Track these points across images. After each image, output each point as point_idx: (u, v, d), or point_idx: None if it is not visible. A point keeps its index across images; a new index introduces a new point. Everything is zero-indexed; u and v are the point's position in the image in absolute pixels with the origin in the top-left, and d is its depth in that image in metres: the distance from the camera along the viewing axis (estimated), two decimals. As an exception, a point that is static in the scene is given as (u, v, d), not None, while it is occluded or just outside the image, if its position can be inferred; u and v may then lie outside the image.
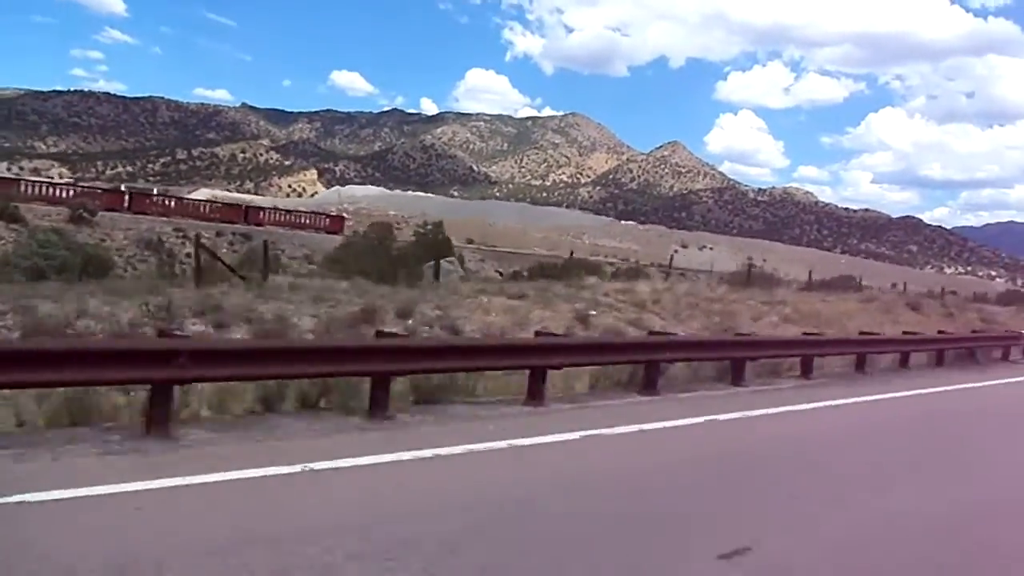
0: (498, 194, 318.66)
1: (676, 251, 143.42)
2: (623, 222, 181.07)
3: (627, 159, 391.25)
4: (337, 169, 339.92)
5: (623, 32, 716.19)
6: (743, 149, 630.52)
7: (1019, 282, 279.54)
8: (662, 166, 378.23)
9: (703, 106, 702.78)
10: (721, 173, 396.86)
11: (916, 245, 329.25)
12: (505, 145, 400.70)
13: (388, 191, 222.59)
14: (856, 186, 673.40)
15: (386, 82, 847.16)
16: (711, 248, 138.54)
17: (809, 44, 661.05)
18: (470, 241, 66.72)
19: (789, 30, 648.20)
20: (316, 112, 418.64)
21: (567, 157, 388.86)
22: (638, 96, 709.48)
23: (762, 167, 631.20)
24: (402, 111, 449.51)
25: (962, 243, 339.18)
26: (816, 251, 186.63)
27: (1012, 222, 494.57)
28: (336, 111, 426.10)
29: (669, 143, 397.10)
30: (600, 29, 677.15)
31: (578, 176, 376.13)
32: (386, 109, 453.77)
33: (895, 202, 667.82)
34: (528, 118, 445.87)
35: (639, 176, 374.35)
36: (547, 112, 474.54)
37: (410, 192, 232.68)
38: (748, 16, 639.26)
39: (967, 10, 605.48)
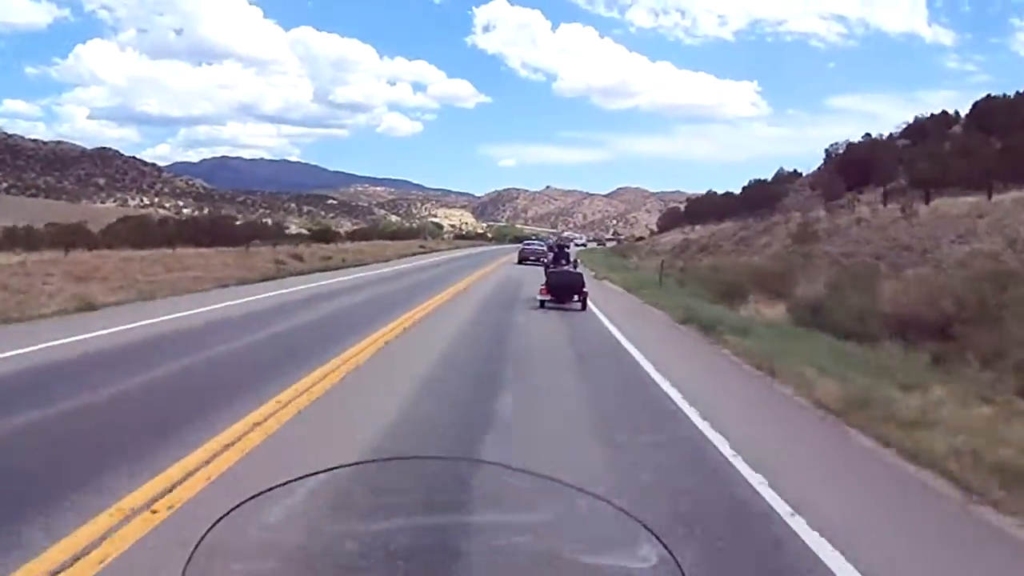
0: None
1: None
2: None
3: None
4: None
5: None
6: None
7: (189, 210, 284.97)
8: None
9: None
10: None
11: (105, 178, 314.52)
12: None
13: None
14: (73, 122, 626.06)
15: None
16: None
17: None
18: None
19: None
20: None
21: None
22: None
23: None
24: None
25: (156, 174, 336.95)
26: None
27: (226, 157, 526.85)
28: None
29: None
30: None
31: None
32: None
33: (115, 139, 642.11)
34: None
35: None
36: None
37: None
38: None
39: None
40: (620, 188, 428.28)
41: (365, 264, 37.21)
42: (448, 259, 51.59)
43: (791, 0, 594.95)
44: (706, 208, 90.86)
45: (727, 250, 37.27)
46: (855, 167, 57.42)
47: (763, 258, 28.98)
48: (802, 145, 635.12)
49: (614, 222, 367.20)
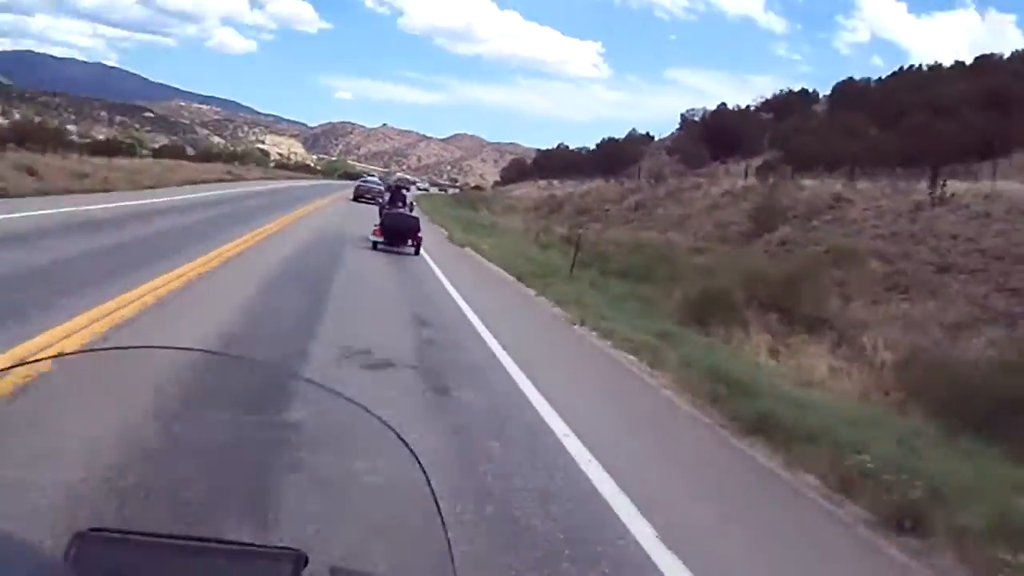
0: None
1: None
2: None
3: None
4: None
5: None
6: None
7: None
8: None
9: None
10: None
11: None
12: None
13: None
14: None
15: None
16: None
17: None
18: None
19: None
20: None
21: None
22: None
23: None
24: None
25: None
26: None
27: (31, 52, 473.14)
28: None
29: None
30: None
31: None
32: None
33: None
34: None
35: None
36: None
37: None
38: None
39: None
40: (457, 134, 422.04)
41: (135, 190, 25.36)
42: (247, 193, 35.80)
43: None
44: (556, 163, 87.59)
45: (623, 218, 31.24)
46: (721, 136, 55.38)
47: (691, 237, 23.10)
48: (639, 111, 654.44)
49: (449, 168, 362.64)
